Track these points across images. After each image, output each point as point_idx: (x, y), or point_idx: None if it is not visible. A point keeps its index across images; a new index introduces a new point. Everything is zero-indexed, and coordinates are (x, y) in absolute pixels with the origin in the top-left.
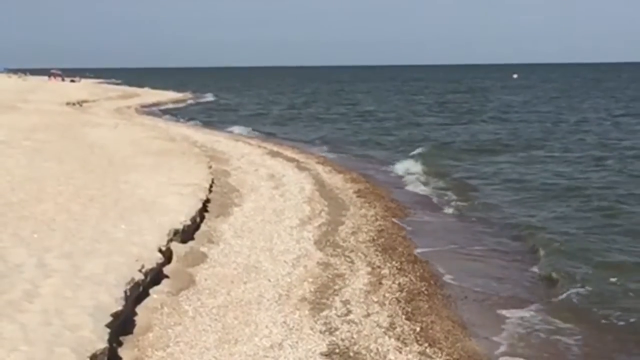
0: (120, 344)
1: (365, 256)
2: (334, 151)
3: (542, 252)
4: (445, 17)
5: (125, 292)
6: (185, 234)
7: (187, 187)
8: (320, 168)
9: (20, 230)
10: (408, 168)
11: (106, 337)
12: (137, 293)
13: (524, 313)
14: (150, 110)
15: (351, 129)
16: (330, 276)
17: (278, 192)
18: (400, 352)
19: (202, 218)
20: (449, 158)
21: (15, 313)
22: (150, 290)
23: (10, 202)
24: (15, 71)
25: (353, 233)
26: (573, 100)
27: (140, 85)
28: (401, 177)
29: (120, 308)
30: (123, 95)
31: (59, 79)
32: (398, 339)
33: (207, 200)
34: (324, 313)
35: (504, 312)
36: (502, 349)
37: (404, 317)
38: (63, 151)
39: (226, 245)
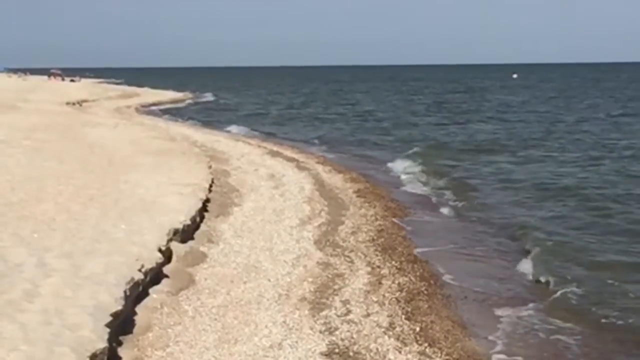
0: (120, 343)
1: (365, 256)
2: (333, 151)
3: (541, 252)
4: (445, 17)
5: (125, 291)
6: (185, 234)
7: (187, 187)
8: (320, 168)
9: (20, 230)
10: (407, 168)
11: (106, 336)
12: (137, 293)
13: (524, 313)
14: (150, 110)
15: (350, 128)
16: (330, 276)
17: (278, 192)
18: (400, 352)
19: (202, 218)
20: (447, 158)
21: (15, 312)
22: (150, 290)
23: (11, 201)
24: (15, 71)
25: (353, 233)
26: (571, 100)
27: (140, 85)
28: (401, 177)
29: (120, 308)
30: (123, 95)
31: (59, 78)
32: (398, 339)
33: (207, 200)
34: (324, 313)
35: (503, 312)
36: (502, 348)
37: (403, 317)
38: (63, 151)
39: (226, 245)
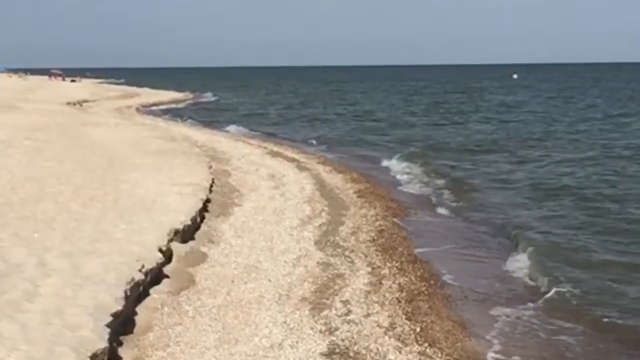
0: (120, 343)
1: (366, 256)
2: (332, 151)
3: (540, 253)
4: (445, 18)
5: (126, 291)
6: (186, 234)
7: (187, 187)
8: (320, 168)
9: (21, 230)
10: (407, 168)
11: (106, 336)
12: (137, 293)
13: (524, 313)
14: (151, 110)
15: (349, 129)
16: (330, 276)
17: (278, 192)
18: (400, 352)
19: (203, 218)
20: (447, 158)
21: (15, 313)
22: (151, 290)
23: (11, 201)
24: (15, 71)
25: (353, 233)
26: (570, 101)
27: (140, 85)
28: (400, 177)
29: (120, 308)
30: (123, 95)
31: (60, 78)
32: (398, 339)
33: (208, 200)
34: (324, 313)
35: (503, 312)
36: (502, 349)
37: (404, 317)
38: (63, 151)
39: (226, 245)
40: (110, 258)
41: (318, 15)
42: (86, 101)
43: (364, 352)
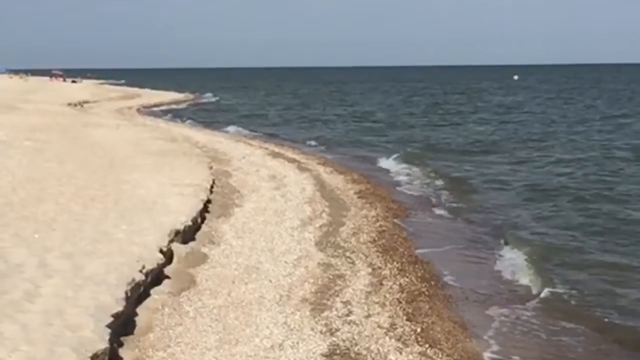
0: (121, 344)
1: (366, 257)
2: (332, 152)
3: (540, 253)
4: (445, 18)
5: (126, 292)
6: (186, 235)
7: (188, 188)
8: (321, 169)
9: (21, 230)
10: (407, 169)
11: (107, 337)
12: (138, 293)
13: (524, 314)
14: (152, 110)
15: (349, 129)
16: (331, 277)
17: (279, 193)
18: (401, 353)
19: (203, 219)
20: (447, 159)
21: (16, 313)
22: (151, 291)
23: (12, 202)
24: (16, 72)
25: (354, 234)
26: (569, 101)
27: (140, 86)
28: (401, 177)
29: (121, 308)
30: (124, 96)
31: (60, 79)
32: (399, 340)
33: (208, 201)
34: (325, 314)
35: (504, 313)
36: (502, 349)
37: (404, 317)
38: (64, 151)
39: (227, 245)
40: (111, 259)
41: (318, 15)
42: (87, 102)
43: (364, 352)
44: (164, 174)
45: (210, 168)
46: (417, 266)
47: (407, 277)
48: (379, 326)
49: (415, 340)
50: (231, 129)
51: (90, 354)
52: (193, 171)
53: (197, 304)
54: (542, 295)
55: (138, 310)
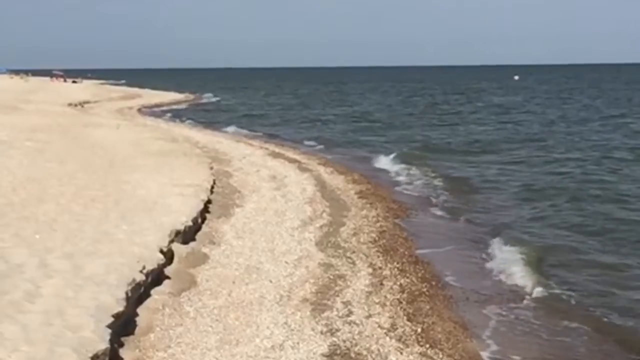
0: (121, 344)
1: (367, 257)
2: (332, 152)
3: (542, 254)
4: (445, 18)
5: (127, 292)
6: (187, 235)
7: (188, 188)
8: (321, 169)
9: (22, 231)
10: (407, 169)
11: (107, 337)
12: (139, 294)
13: (525, 314)
14: (152, 111)
15: (349, 130)
16: (331, 277)
17: (279, 193)
18: (402, 353)
19: (204, 219)
20: (447, 159)
21: (16, 313)
22: (152, 291)
23: (12, 202)
24: (17, 72)
25: (354, 234)
26: (568, 102)
27: (141, 86)
28: (401, 178)
29: (121, 309)
30: (125, 96)
31: (61, 79)
32: (399, 340)
33: (209, 201)
34: (325, 314)
35: (505, 313)
36: (503, 349)
37: (405, 318)
38: (65, 152)
39: (227, 246)
40: (111, 259)
41: (318, 15)
42: (87, 102)
43: (365, 353)
44: (165, 174)
45: (211, 168)
46: (417, 266)
47: (407, 277)
48: (379, 326)
49: (416, 340)
50: (231, 129)
51: (90, 355)
52: (193, 171)
53: (197, 304)
54: (542, 295)
55: (138, 310)
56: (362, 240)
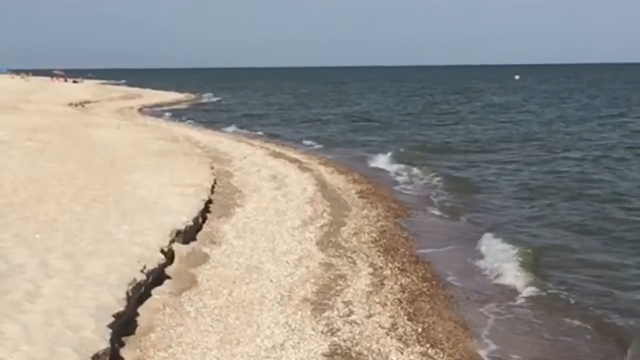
0: (122, 344)
1: (367, 257)
2: (332, 152)
3: (543, 253)
4: (445, 18)
5: (127, 292)
6: (187, 235)
7: (189, 188)
8: (322, 169)
9: (23, 231)
10: (407, 169)
11: (108, 337)
12: (139, 293)
13: (526, 314)
14: (153, 110)
15: (349, 129)
16: (332, 277)
17: (280, 193)
18: (402, 353)
19: (204, 219)
20: (447, 158)
21: (17, 313)
22: (152, 291)
23: (13, 202)
24: (18, 72)
25: (355, 234)
26: (567, 101)
27: (141, 86)
28: (401, 177)
29: (122, 308)
30: (125, 96)
31: (62, 79)
32: (400, 340)
33: (209, 201)
34: (326, 314)
35: (506, 313)
36: (504, 349)
37: (405, 317)
38: (65, 152)
39: (228, 245)
40: (112, 259)
41: (318, 15)
42: (88, 102)
43: (365, 352)
44: (165, 174)
45: (212, 168)
46: (418, 266)
47: (408, 277)
48: (380, 326)
49: (417, 340)
50: (232, 128)
51: (91, 354)
52: (194, 171)
53: (198, 304)
54: (542, 294)
55: (139, 310)
56: (362, 239)
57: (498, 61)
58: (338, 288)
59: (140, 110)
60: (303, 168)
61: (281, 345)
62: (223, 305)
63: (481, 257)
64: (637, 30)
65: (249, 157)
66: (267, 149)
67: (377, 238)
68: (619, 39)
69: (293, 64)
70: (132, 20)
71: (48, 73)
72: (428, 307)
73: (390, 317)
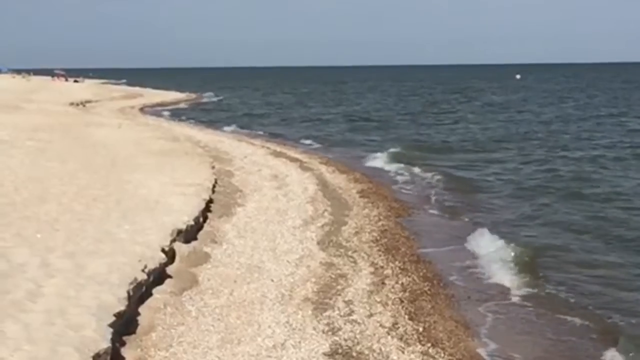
0: (123, 343)
1: (368, 256)
2: (333, 151)
3: (543, 253)
4: (445, 18)
5: (128, 292)
6: (189, 234)
7: (190, 187)
8: (323, 168)
9: (24, 230)
10: (408, 168)
11: (109, 336)
12: (140, 293)
13: (528, 313)
14: (154, 110)
15: (350, 129)
16: (333, 276)
17: (281, 192)
18: (403, 352)
19: (205, 218)
20: (448, 158)
21: (18, 313)
22: (153, 290)
23: (14, 202)
24: (19, 71)
25: (356, 233)
26: (566, 100)
27: (142, 85)
28: (401, 177)
29: (123, 308)
30: (126, 96)
31: (63, 79)
32: (401, 339)
33: (210, 201)
34: (327, 313)
35: (507, 312)
36: (505, 349)
37: (406, 317)
38: (66, 151)
39: (229, 245)
40: (113, 258)
41: (318, 15)
42: (89, 101)
43: (366, 352)
44: (166, 173)
45: (213, 167)
46: (419, 265)
47: (409, 276)
48: (381, 325)
49: (417, 339)
50: (232, 128)
51: (92, 354)
52: (195, 171)
53: (199, 303)
54: (543, 294)
55: (140, 309)
56: (363, 239)
57: (498, 61)
58: (339, 287)
59: (141, 109)
60: (304, 167)
61: (282, 344)
62: (224, 304)
63: (482, 256)
64: (636, 30)
65: (249, 156)
66: (267, 148)
67: (378, 237)
68: (619, 38)
69: (293, 64)
70: (133, 20)
71: (49, 73)
72: (429, 306)
73: (391, 316)
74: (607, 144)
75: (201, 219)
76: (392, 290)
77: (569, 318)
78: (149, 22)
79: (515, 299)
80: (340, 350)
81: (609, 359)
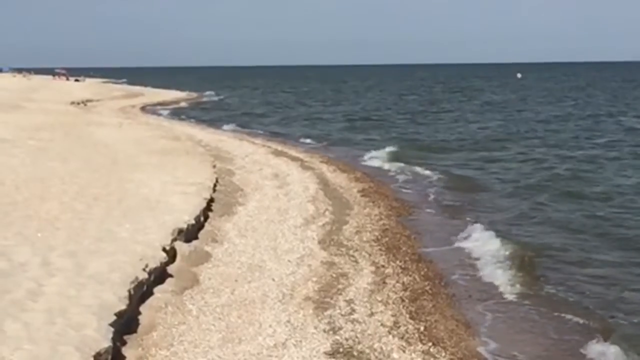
0: (124, 343)
1: (369, 255)
2: (334, 151)
3: (543, 252)
4: (445, 18)
5: (129, 291)
6: (190, 233)
7: (191, 186)
8: (324, 167)
9: (25, 229)
10: (409, 167)
11: (110, 336)
12: (141, 292)
13: (528, 313)
14: (155, 109)
15: (351, 127)
16: (334, 275)
17: (282, 192)
18: (404, 352)
19: (206, 217)
20: (449, 157)
21: (19, 312)
22: (154, 290)
23: (15, 201)
24: (20, 70)
25: (357, 232)
26: (566, 99)
27: (143, 84)
28: (403, 176)
29: (124, 307)
30: (127, 95)
31: (64, 78)
32: (402, 338)
33: (211, 200)
34: (328, 312)
35: (508, 311)
36: (505, 348)
37: (407, 316)
38: (67, 150)
39: (230, 244)
40: (114, 257)
41: (318, 15)
42: (90, 101)
43: (367, 351)
44: (167, 172)
45: (214, 167)
46: (420, 264)
47: (410, 275)
48: (382, 324)
49: (419, 338)
50: (233, 127)
51: (93, 353)
52: (196, 170)
53: (200, 302)
54: (543, 293)
55: (141, 309)
56: (364, 238)
57: (499, 60)
58: (340, 286)
59: (142, 108)
60: (305, 166)
61: (283, 343)
62: (225, 303)
63: (482, 255)
64: (636, 29)
65: (250, 155)
66: (268, 147)
67: (379, 237)
68: (619, 38)
69: (293, 63)
70: (133, 20)
71: (50, 72)
72: (430, 305)
73: (392, 315)
74: (606, 143)
75: (202, 218)
76: (393, 289)
77: (568, 317)
78: (149, 22)
79: (515, 298)
80: (341, 350)
81: (608, 358)
